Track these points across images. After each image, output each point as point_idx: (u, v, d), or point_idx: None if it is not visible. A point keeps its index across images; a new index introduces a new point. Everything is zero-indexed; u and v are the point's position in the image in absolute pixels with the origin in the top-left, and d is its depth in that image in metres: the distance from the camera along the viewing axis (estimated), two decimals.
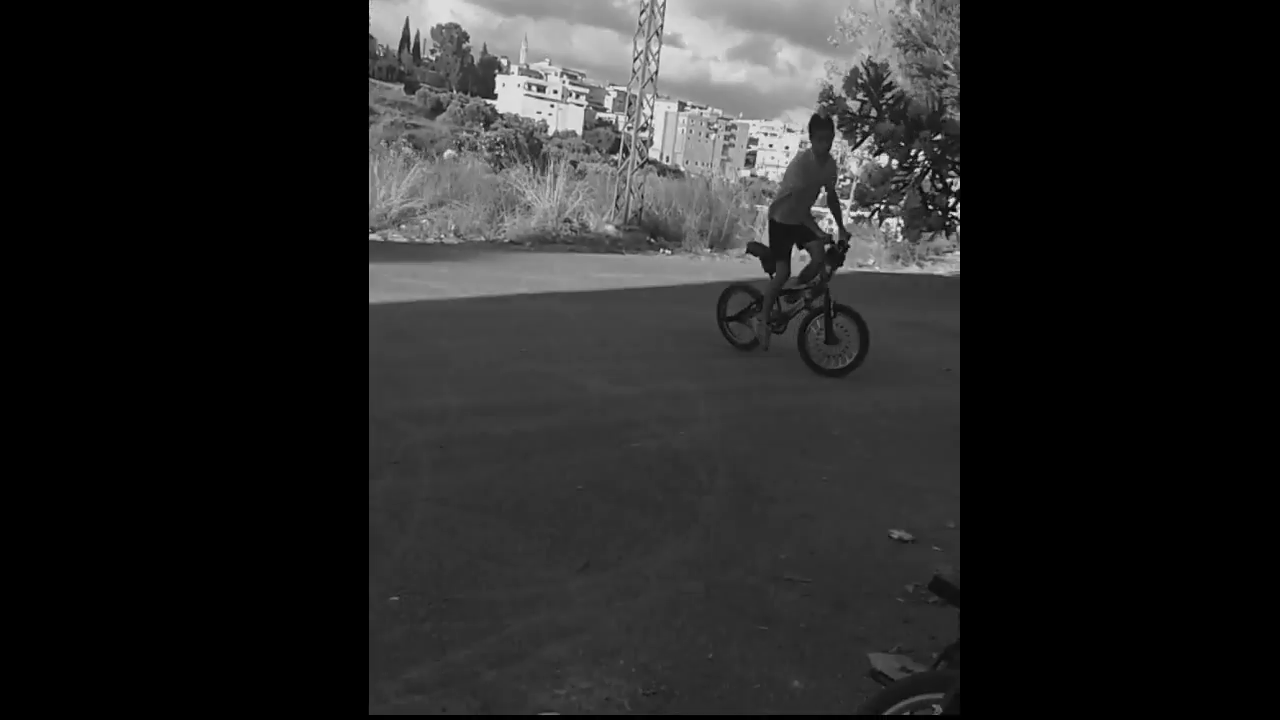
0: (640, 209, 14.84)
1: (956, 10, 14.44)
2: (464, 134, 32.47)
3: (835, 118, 4.25)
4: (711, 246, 14.62)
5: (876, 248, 15.66)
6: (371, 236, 10.08)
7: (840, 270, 6.32)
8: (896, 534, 3.45)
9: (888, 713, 1.87)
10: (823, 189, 6.27)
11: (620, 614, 2.62)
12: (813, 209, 6.48)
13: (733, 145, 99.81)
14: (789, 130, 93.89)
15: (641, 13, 14.48)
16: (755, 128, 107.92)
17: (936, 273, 15.13)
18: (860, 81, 7.71)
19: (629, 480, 3.72)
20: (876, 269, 15.42)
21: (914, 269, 16.02)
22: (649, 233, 14.23)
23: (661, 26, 14.60)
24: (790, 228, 6.24)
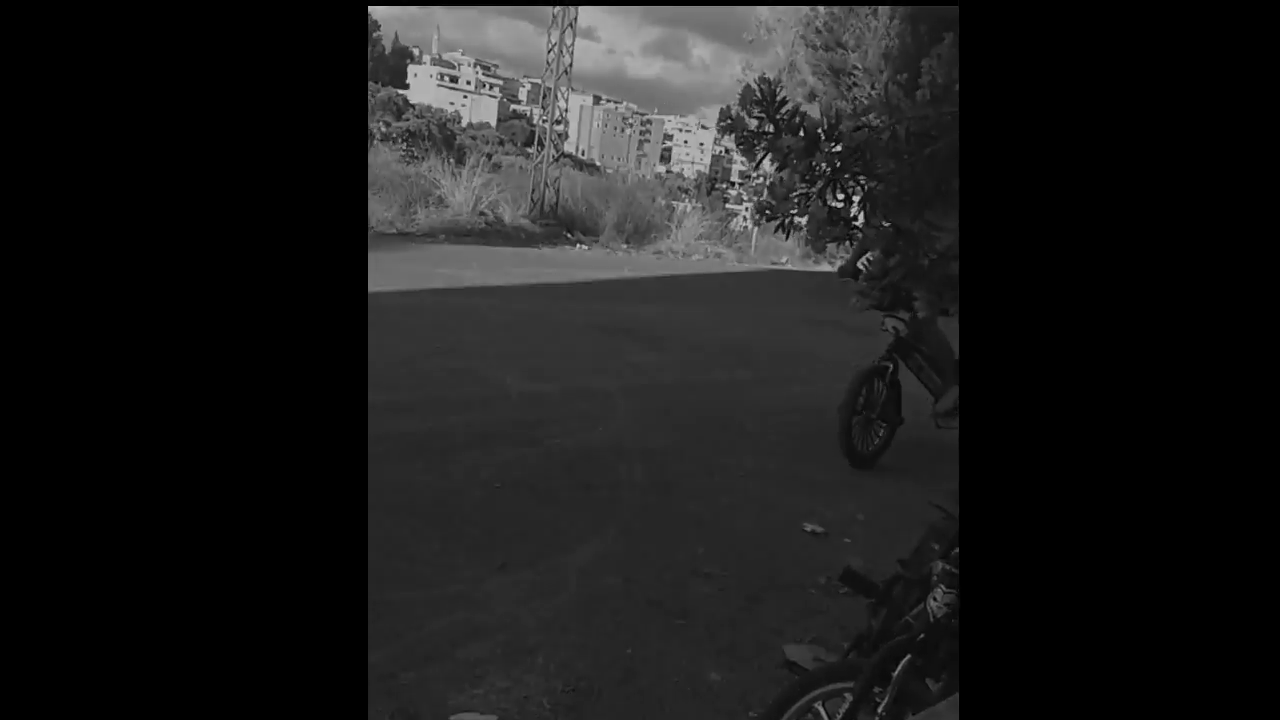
0: (556, 203, 14.78)
1: (865, 11, 14.76)
2: (376, 124, 31.83)
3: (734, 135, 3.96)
4: (628, 242, 14.66)
5: (790, 245, 15.94)
6: None
7: (752, 268, 6.36)
8: (809, 527, 3.54)
9: (801, 702, 1.93)
10: None
11: (538, 612, 2.63)
12: None
13: (648, 141, 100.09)
14: (703, 127, 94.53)
15: (555, 4, 14.41)
16: (670, 123, 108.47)
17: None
18: (754, 98, 7.54)
19: (547, 478, 3.73)
20: (790, 267, 15.68)
21: (825, 266, 16.36)
22: (565, 227, 14.19)
23: (576, 19, 14.56)
24: None
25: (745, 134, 3.81)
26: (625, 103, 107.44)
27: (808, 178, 3.70)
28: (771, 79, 3.80)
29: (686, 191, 20.64)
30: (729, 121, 3.84)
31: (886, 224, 2.62)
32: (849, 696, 1.89)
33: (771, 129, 3.54)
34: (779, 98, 3.32)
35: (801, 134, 3.27)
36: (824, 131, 3.14)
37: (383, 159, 14.53)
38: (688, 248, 14.89)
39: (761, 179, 5.86)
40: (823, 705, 1.94)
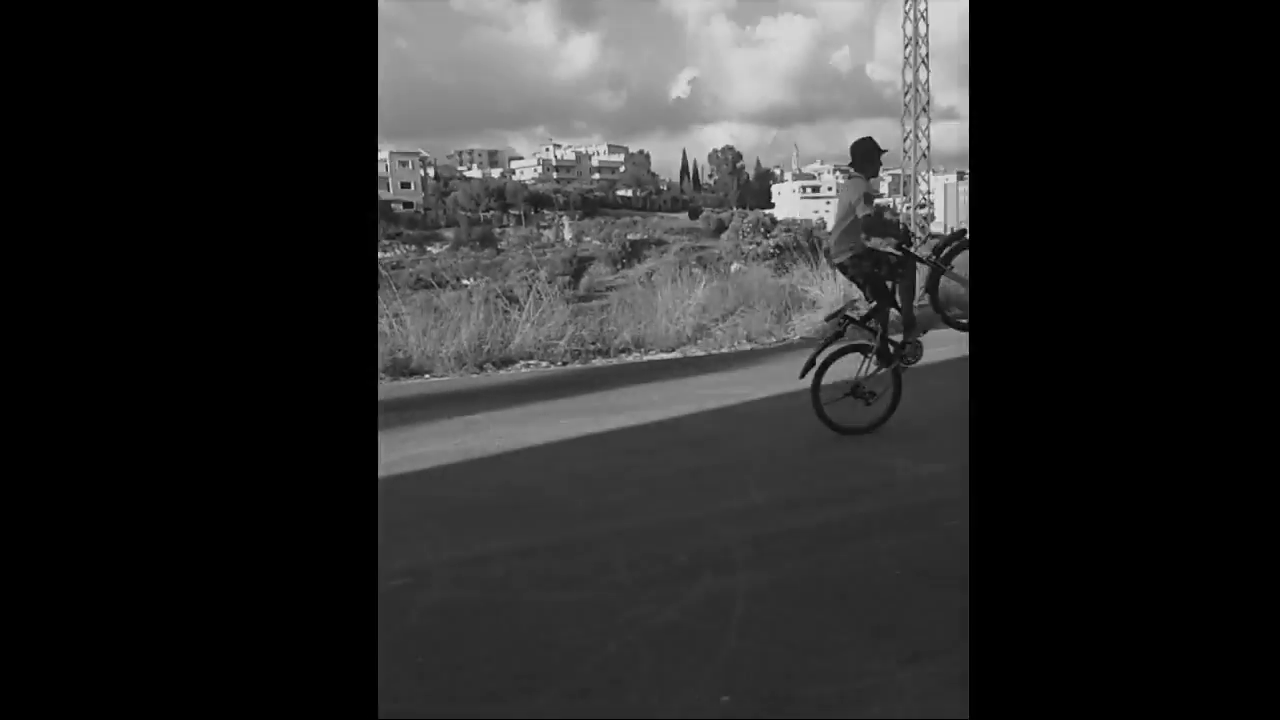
0: (935, 286, 14.34)
1: None
2: (746, 246, 33.39)
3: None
4: None
5: None
6: (672, 354, 10.52)
7: None
8: None
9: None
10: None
11: (959, 701, 2.44)
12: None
13: None
14: None
15: (905, 94, 14.36)
16: None
17: None
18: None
19: (945, 562, 3.50)
20: None
21: None
22: (936, 308, 13.67)
23: (928, 103, 14.37)
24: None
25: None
26: None
27: None
28: None
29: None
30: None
31: None
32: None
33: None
34: None
35: None
36: None
37: (756, 275, 15.13)
38: None
39: None
40: None
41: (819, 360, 5.83)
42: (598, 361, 10.13)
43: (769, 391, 7.63)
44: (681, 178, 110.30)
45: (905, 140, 13.62)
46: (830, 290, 13.21)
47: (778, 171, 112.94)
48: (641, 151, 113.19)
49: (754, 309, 12.11)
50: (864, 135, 5.76)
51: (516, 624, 3.03)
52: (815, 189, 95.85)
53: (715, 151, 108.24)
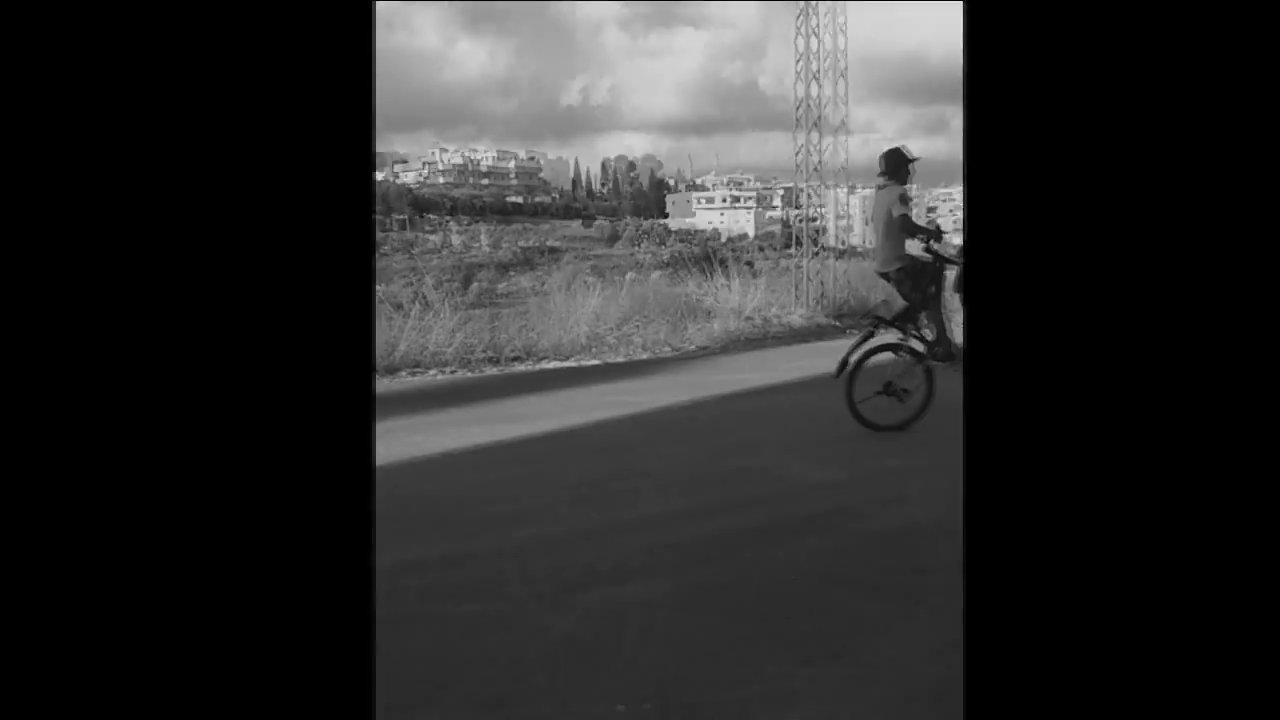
0: (822, 294, 14.71)
1: None
2: (641, 255, 33.62)
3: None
4: None
5: None
6: (566, 363, 10.47)
7: None
8: None
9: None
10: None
11: (852, 708, 2.47)
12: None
13: (938, 215, 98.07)
14: None
15: (797, 108, 14.70)
16: (932, 196, 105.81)
17: None
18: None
19: (846, 566, 3.57)
20: None
21: None
22: (834, 317, 14.05)
23: (820, 118, 14.73)
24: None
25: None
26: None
27: None
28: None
29: (956, 262, 19.83)
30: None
31: None
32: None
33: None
34: None
35: None
36: None
37: (651, 285, 15.23)
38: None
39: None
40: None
41: (852, 360, 5.95)
42: (489, 370, 10.01)
43: (665, 401, 7.67)
44: (574, 185, 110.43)
45: (797, 154, 14.02)
46: (726, 301, 13.40)
47: (672, 182, 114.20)
48: (532, 158, 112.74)
49: (650, 318, 12.19)
50: (894, 147, 6.12)
51: (408, 638, 2.94)
52: (710, 200, 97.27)
53: (608, 160, 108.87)
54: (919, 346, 6.07)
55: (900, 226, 5.88)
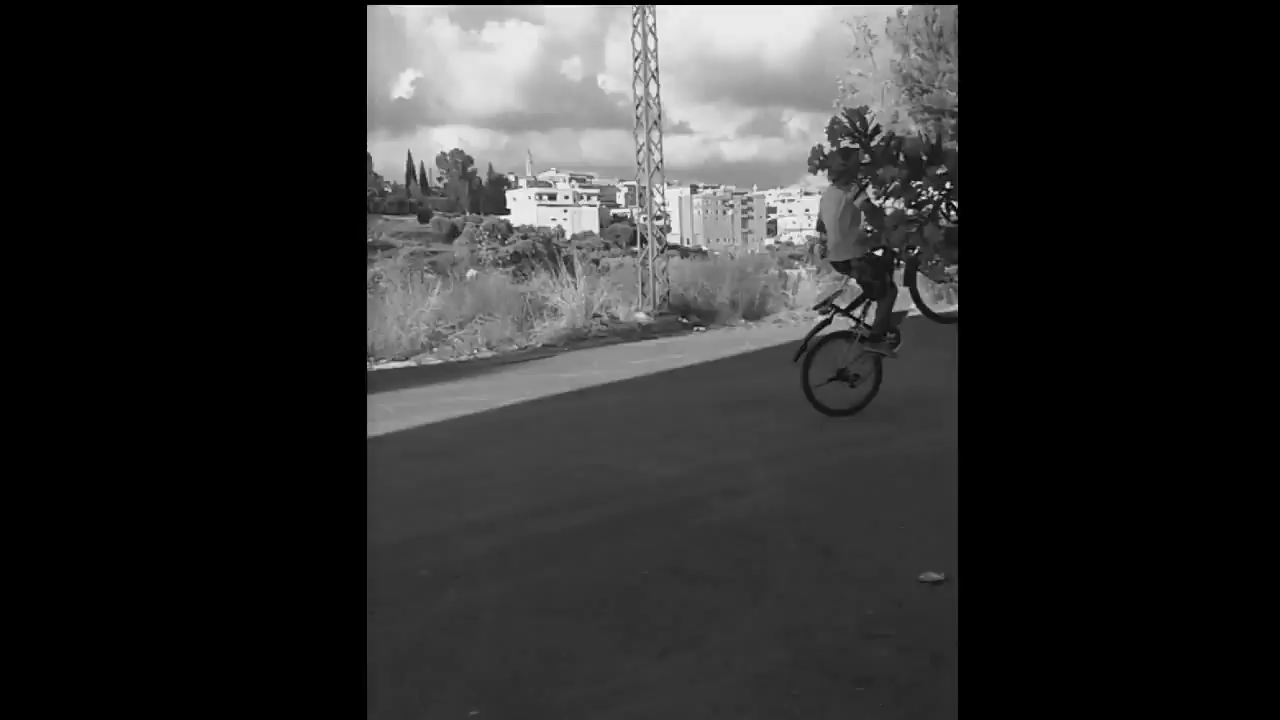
0: (668, 293, 14.97)
1: (953, 49, 14.72)
2: (483, 251, 33.20)
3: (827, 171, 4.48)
4: (745, 318, 14.64)
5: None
6: (406, 363, 10.22)
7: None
8: (927, 577, 3.30)
9: None
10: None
11: (706, 694, 2.53)
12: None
13: (752, 217, 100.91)
14: (806, 194, 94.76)
15: (637, 107, 14.86)
16: (772, 196, 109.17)
17: None
18: (844, 130, 7.50)
19: (695, 558, 3.64)
20: (916, 312, 15.26)
21: (952, 306, 15.87)
22: (680, 314, 14.32)
23: (660, 116, 14.96)
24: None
25: (841, 167, 3.71)
26: (723, 186, 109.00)
27: (914, 204, 3.55)
28: (860, 107, 3.70)
29: (798, 258, 20.59)
30: (820, 160, 3.74)
31: None
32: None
33: (867, 159, 3.43)
34: (871, 126, 3.23)
35: (902, 160, 3.16)
36: (927, 155, 3.02)
37: (494, 282, 15.07)
38: (807, 312, 14.77)
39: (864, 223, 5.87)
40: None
41: (809, 346, 6.19)
42: None
43: (510, 400, 7.61)
44: (408, 180, 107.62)
45: (638, 153, 14.19)
46: (572, 298, 13.42)
47: (512, 178, 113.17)
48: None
49: (494, 316, 12.07)
50: (845, 146, 6.02)
51: None
52: (552, 196, 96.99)
53: (444, 155, 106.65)
54: (868, 334, 6.30)
55: (866, 211, 5.97)
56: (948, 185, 3.01)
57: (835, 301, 6.49)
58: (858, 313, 6.37)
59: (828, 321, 6.37)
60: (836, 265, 6.46)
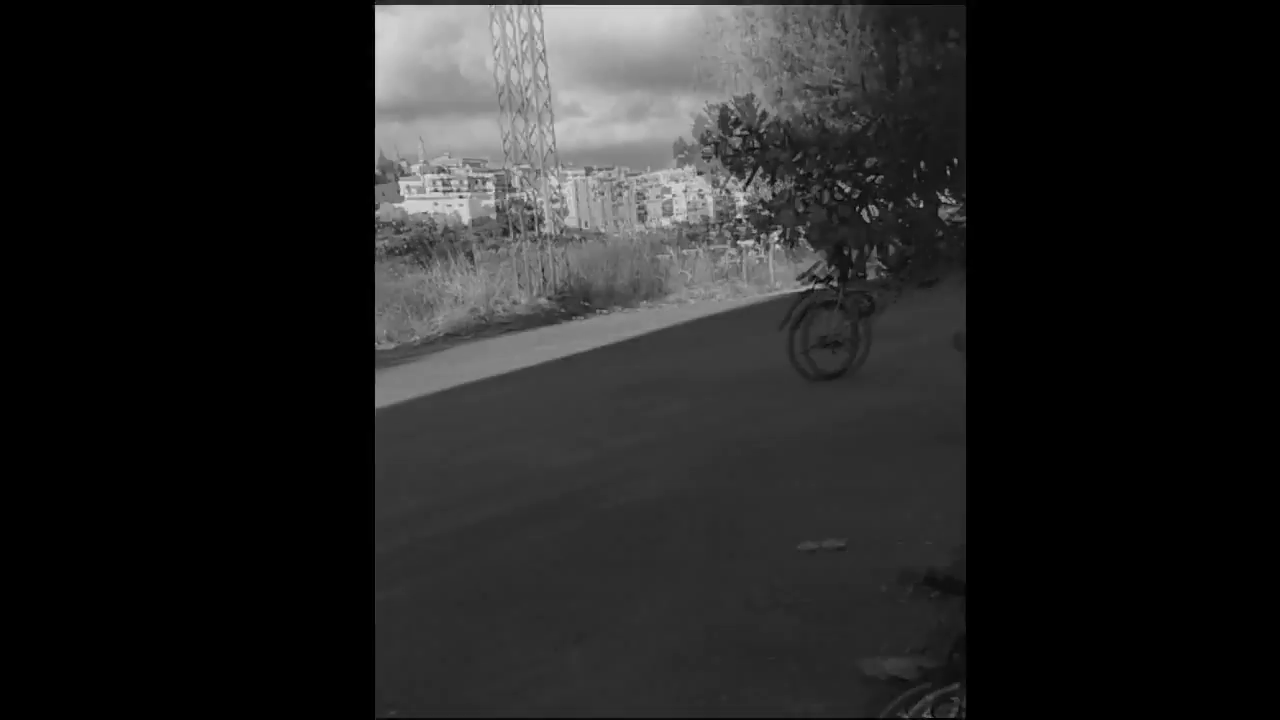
0: (568, 276, 14.92)
1: (834, 28, 15.00)
2: (380, 242, 32.48)
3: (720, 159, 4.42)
4: (647, 299, 14.70)
5: (806, 266, 15.86)
6: None
7: (772, 296, 6.59)
8: (809, 546, 3.40)
9: (912, 713, 1.84)
10: None
11: (619, 678, 2.56)
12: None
13: (646, 199, 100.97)
14: (699, 174, 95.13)
15: (525, 90, 14.71)
16: (665, 176, 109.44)
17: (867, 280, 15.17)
18: (734, 119, 7.59)
19: (602, 544, 3.67)
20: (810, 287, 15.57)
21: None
22: (582, 298, 14.29)
23: (525, 103, 14.79)
24: None
25: (731, 154, 3.76)
26: (618, 167, 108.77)
27: (801, 185, 3.63)
28: (748, 96, 3.75)
29: (693, 238, 20.73)
30: (712, 146, 3.79)
31: (894, 214, 2.58)
32: (955, 700, 1.80)
33: (758, 144, 3.48)
34: (759, 111, 3.29)
35: (788, 141, 3.22)
36: (812, 136, 3.09)
37: (392, 272, 14.79)
38: (706, 290, 14.91)
39: (761, 205, 5.92)
40: (932, 711, 1.85)
41: (795, 314, 6.52)
42: None
43: (396, 398, 7.49)
44: None
45: (530, 136, 14.08)
46: (474, 286, 13.25)
47: (404, 165, 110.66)
48: None
49: (392, 306, 11.84)
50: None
51: None
52: (448, 184, 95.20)
53: None
54: (849, 303, 6.51)
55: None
56: (830, 165, 3.05)
57: (815, 272, 6.73)
58: (836, 284, 6.63)
59: (811, 290, 6.67)
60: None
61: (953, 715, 1.81)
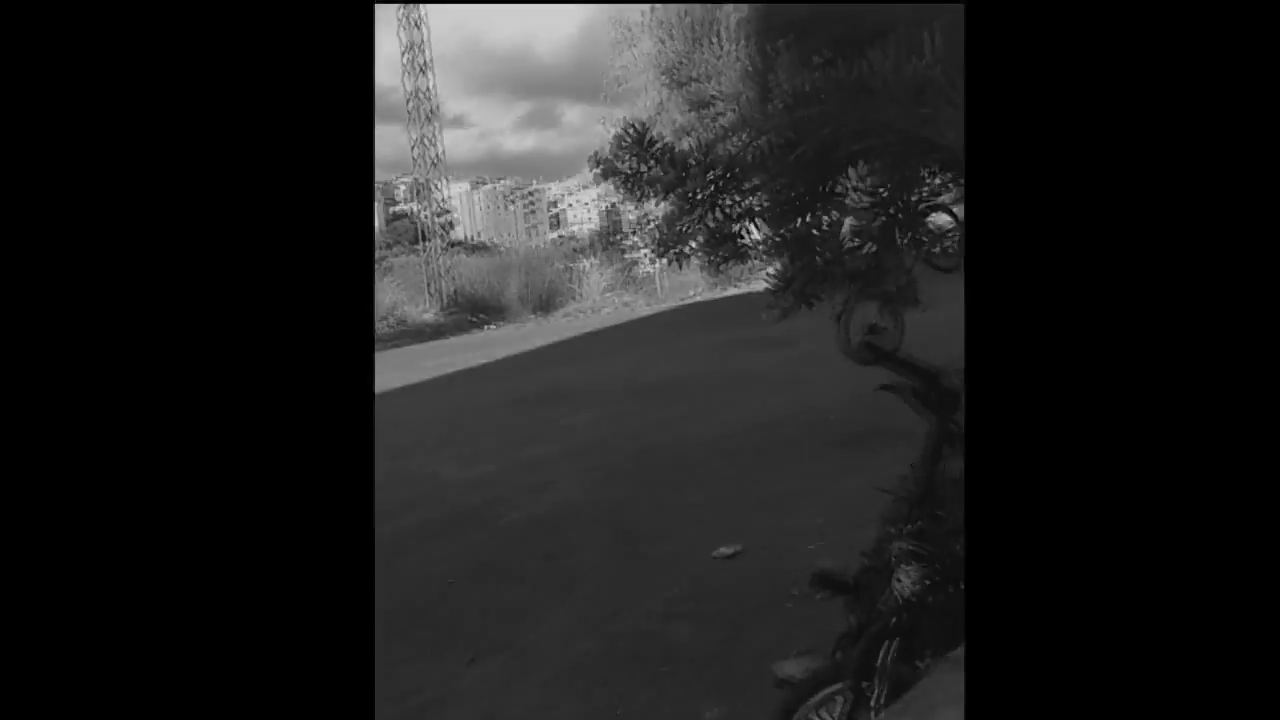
0: (456, 290, 14.75)
1: (714, 40, 15.21)
2: None
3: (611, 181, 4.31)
4: (535, 311, 14.65)
5: (695, 279, 16.11)
6: None
7: (663, 308, 6.61)
8: (721, 552, 3.47)
9: (798, 715, 1.89)
10: None
11: (521, 694, 2.55)
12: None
13: (534, 211, 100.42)
14: (584, 188, 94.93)
15: (408, 102, 14.53)
16: (555, 189, 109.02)
17: (755, 289, 15.46)
18: (624, 144, 7.62)
19: (504, 558, 3.66)
20: (699, 298, 15.85)
21: (733, 290, 16.56)
22: (469, 312, 14.14)
23: (436, 109, 14.69)
24: None
25: (624, 177, 3.80)
26: (505, 179, 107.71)
27: (686, 206, 3.70)
28: (641, 121, 3.81)
29: (582, 251, 20.77)
30: (601, 168, 3.82)
31: (775, 233, 2.64)
32: (841, 699, 1.86)
33: (647, 167, 3.53)
34: (648, 137, 3.34)
35: (670, 165, 3.28)
36: (695, 159, 3.15)
37: None
38: (595, 303, 14.95)
39: (653, 221, 5.92)
40: (817, 713, 1.91)
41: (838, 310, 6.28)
42: None
43: None
44: None
45: (413, 148, 13.97)
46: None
47: None
48: None
49: None
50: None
51: None
52: None
53: None
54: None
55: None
56: (712, 187, 3.10)
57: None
58: None
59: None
60: None
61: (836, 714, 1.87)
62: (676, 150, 2.78)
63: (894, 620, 1.81)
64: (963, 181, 1.35)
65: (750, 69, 2.22)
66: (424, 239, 15.30)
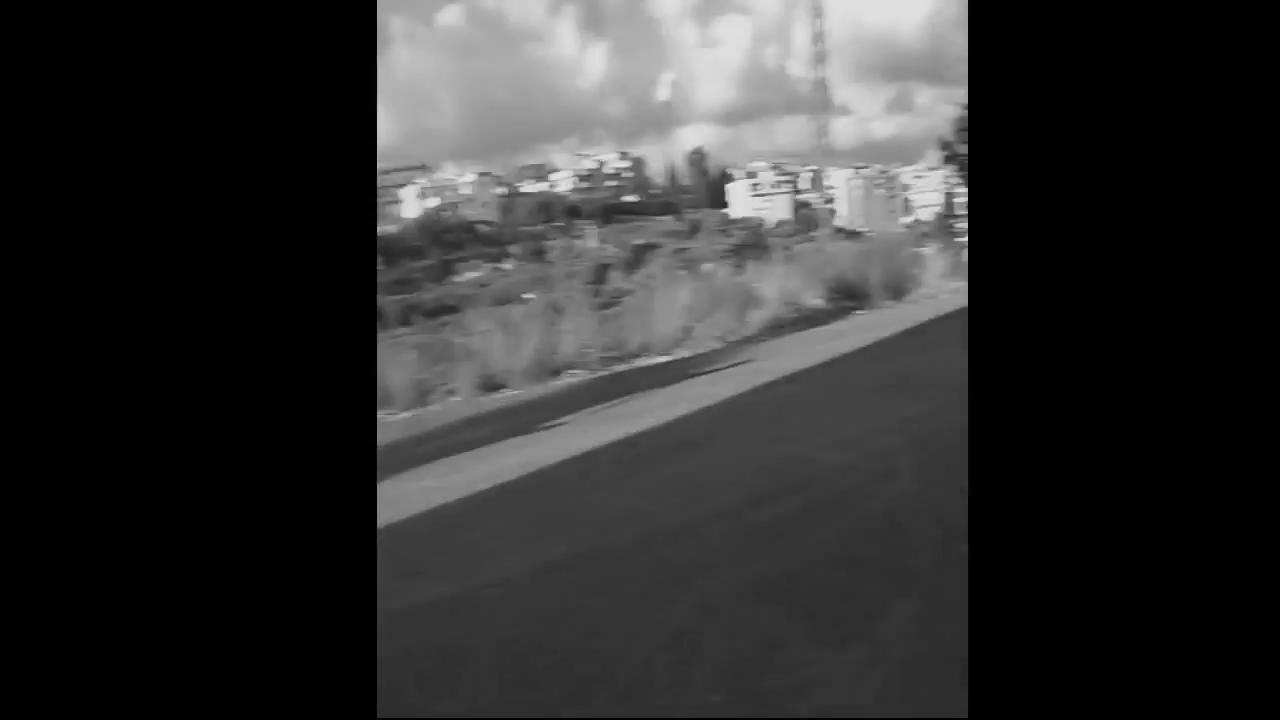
0: (836, 276, 13.81)
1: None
2: (715, 246, 31.69)
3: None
4: (894, 297, 13.26)
5: None
6: (659, 359, 9.83)
7: None
8: None
9: None
10: None
11: (875, 683, 2.43)
12: None
13: (893, 197, 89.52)
14: (931, 170, 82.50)
15: (813, 91, 13.38)
16: (906, 174, 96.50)
17: None
18: (962, 126, 6.45)
19: (864, 548, 3.33)
20: None
21: None
22: (845, 297, 13.23)
23: (830, 98, 13.45)
24: None
25: (960, 160, 3.14)
26: (871, 165, 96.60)
27: None
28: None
29: (928, 235, 18.08)
30: (948, 153, 3.24)
31: None
32: None
33: None
34: None
35: None
36: None
37: (721, 274, 14.41)
38: (936, 288, 13.18)
39: None
40: None
41: None
42: (619, 367, 9.45)
43: (728, 392, 7.04)
44: (671, 181, 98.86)
45: (818, 137, 13.08)
46: (772, 288, 12.71)
47: (728, 171, 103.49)
48: (639, 157, 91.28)
49: (719, 309, 11.58)
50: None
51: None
52: (756, 186, 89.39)
53: (688, 153, 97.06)
54: None
55: None
56: None
57: None
58: None
59: None
60: None
61: None
62: None
63: None
64: None
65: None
66: (816, 226, 14.30)
